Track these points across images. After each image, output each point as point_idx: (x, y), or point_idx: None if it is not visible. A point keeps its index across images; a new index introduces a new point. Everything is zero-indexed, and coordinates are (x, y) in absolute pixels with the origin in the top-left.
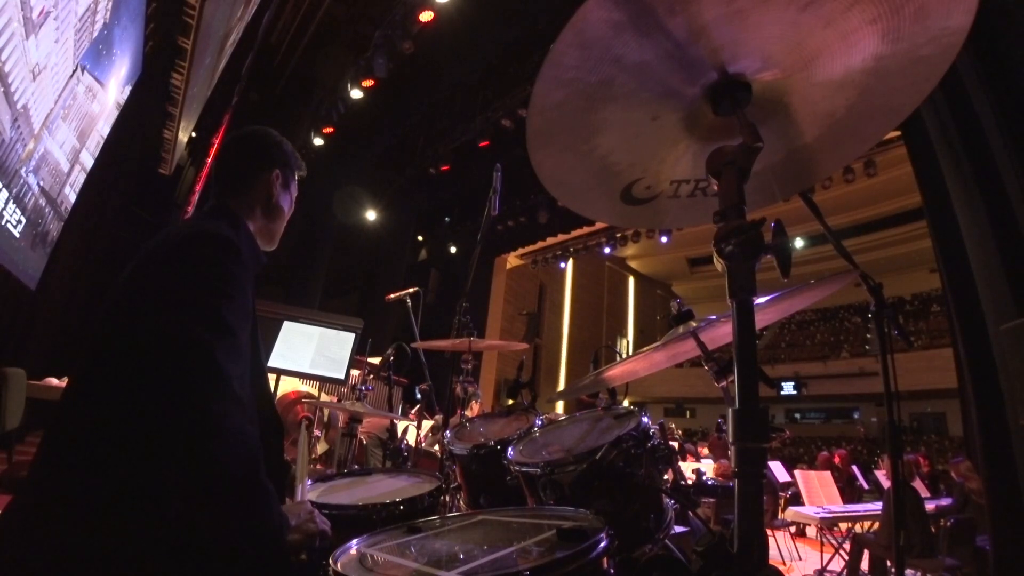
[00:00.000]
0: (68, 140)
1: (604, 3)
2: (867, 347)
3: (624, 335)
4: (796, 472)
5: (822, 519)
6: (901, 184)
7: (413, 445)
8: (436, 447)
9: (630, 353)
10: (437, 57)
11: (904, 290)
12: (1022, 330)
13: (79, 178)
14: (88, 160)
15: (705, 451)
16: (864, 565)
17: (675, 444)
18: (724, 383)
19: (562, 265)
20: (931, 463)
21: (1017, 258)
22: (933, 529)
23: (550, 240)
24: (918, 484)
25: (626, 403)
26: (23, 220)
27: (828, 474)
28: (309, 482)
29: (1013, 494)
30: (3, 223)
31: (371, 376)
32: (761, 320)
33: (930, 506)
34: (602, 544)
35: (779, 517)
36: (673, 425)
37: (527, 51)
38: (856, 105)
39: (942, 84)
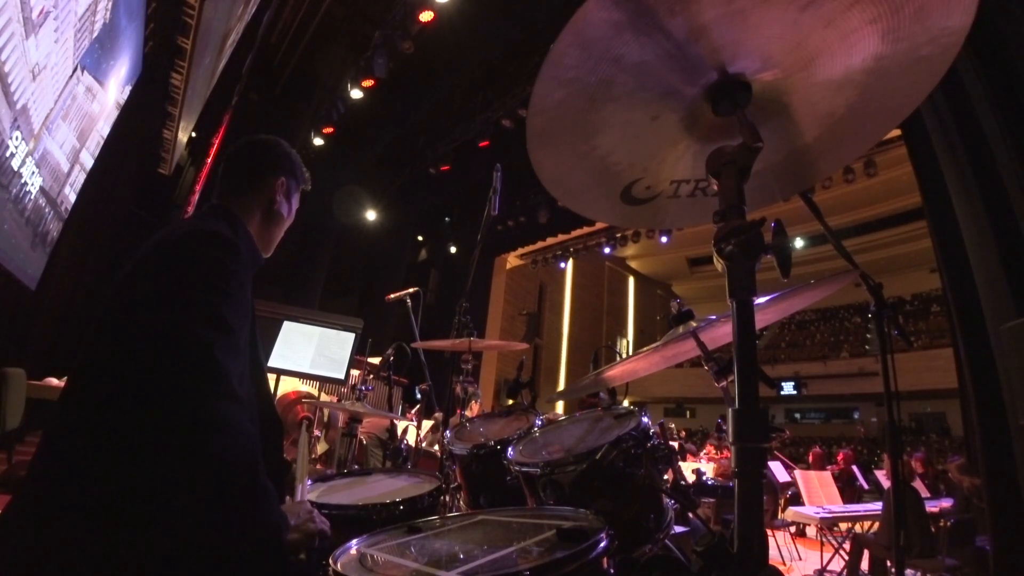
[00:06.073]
0: (68, 140)
1: (604, 3)
2: (867, 347)
3: (624, 335)
4: (796, 472)
5: (822, 519)
6: (901, 184)
7: (413, 445)
8: (436, 447)
9: (630, 353)
10: (437, 57)
11: (904, 290)
12: (1022, 330)
13: (79, 178)
14: (88, 160)
15: (711, 451)
16: (864, 565)
17: (675, 444)
18: (724, 383)
19: (562, 265)
20: (926, 464)
21: (1017, 258)
22: (933, 529)
23: (550, 240)
24: (918, 484)
25: (626, 403)
26: (23, 220)
27: (828, 474)
28: (309, 482)
29: (1013, 494)
30: (3, 223)
31: (371, 376)
32: (761, 320)
33: (931, 508)
34: (602, 544)
35: (779, 517)
36: (673, 425)
37: (527, 51)
38: (856, 105)
39: (942, 84)
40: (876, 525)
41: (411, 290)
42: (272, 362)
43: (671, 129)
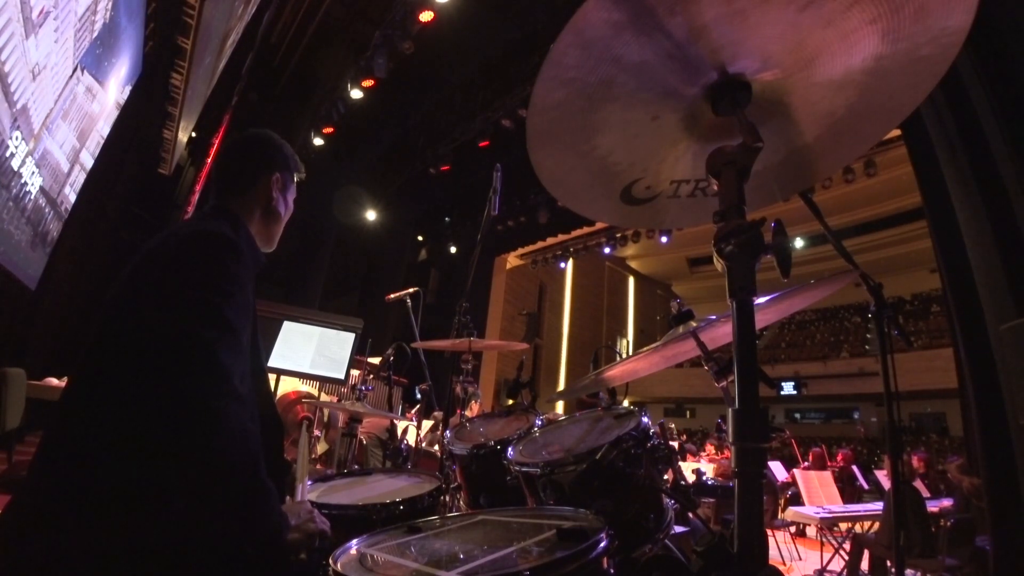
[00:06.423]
0: (68, 140)
1: (604, 3)
2: (867, 347)
3: (624, 335)
4: (796, 472)
5: (822, 519)
6: (901, 184)
7: (413, 445)
8: (436, 447)
9: (630, 353)
10: (437, 57)
11: (904, 290)
12: (1022, 330)
13: (79, 178)
14: (88, 160)
15: (711, 451)
16: (864, 565)
17: (675, 444)
18: (724, 383)
19: (562, 265)
20: (927, 464)
21: (1017, 258)
22: (933, 529)
23: (550, 240)
24: (919, 484)
25: (626, 403)
26: (23, 220)
27: (828, 474)
28: (309, 482)
29: (1013, 494)
30: (3, 223)
31: (371, 376)
32: (761, 320)
33: (932, 508)
34: (602, 544)
35: (779, 517)
36: (673, 425)
37: (527, 51)
38: (856, 105)
39: (942, 84)
40: (876, 525)
41: (411, 290)
42: (272, 362)
43: (671, 129)
